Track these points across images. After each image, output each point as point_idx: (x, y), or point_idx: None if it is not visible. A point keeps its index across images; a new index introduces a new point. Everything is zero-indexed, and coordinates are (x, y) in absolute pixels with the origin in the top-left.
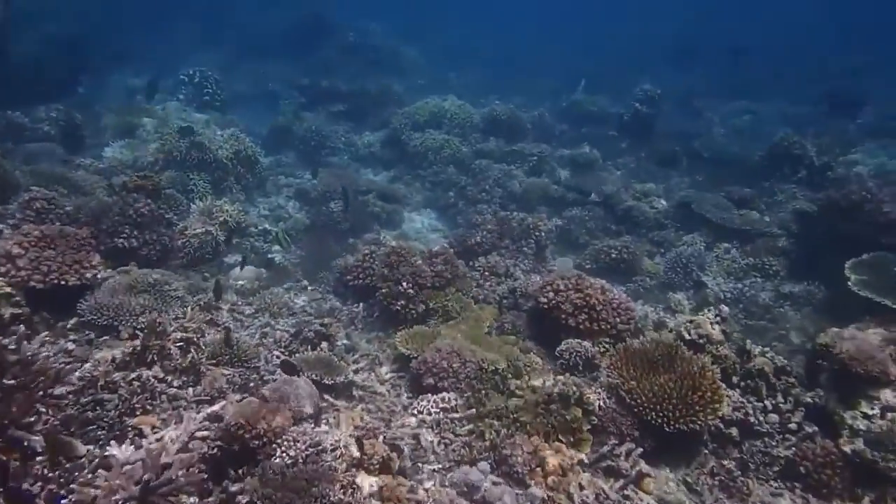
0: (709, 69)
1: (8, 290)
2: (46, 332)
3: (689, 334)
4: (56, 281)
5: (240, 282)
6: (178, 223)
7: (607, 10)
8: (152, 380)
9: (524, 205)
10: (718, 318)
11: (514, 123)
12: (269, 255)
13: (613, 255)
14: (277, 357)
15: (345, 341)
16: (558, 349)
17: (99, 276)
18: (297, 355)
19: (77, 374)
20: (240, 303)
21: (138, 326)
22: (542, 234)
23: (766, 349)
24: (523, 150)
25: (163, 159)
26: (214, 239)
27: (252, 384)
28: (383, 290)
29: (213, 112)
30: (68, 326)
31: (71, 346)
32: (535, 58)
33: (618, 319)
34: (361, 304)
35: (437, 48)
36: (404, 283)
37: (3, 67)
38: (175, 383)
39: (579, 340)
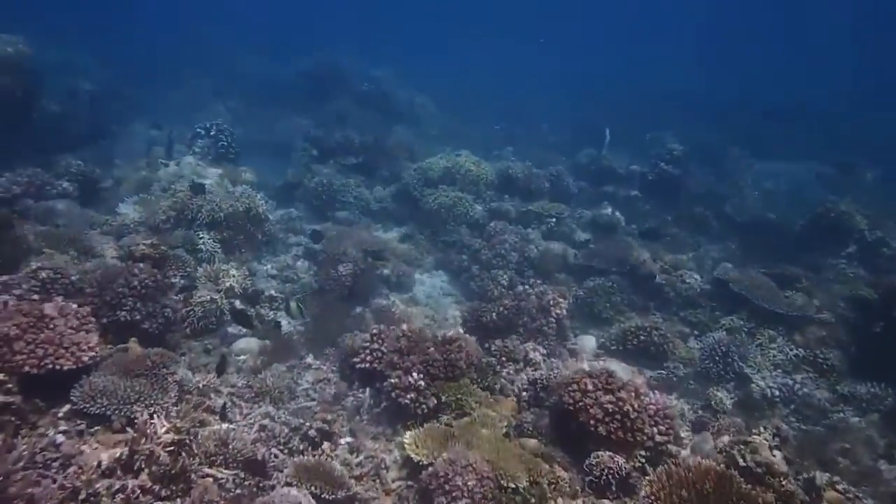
0: (737, 127)
1: (1, 376)
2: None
3: (745, 460)
4: (51, 366)
5: (242, 356)
6: (184, 287)
7: (618, 62)
8: (137, 491)
9: (541, 271)
10: (777, 441)
11: (530, 181)
12: (278, 320)
13: (643, 338)
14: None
15: (348, 439)
16: (587, 462)
17: (97, 356)
18: (296, 459)
19: (56, 484)
20: (241, 384)
21: (131, 416)
22: (563, 311)
23: (836, 478)
24: (540, 211)
25: (174, 217)
26: (219, 308)
27: (246, 495)
28: (392, 380)
29: (228, 164)
30: (60, 415)
31: (61, 438)
32: (546, 108)
33: (656, 430)
34: (368, 391)
35: (448, 96)
36: (415, 374)
37: (30, 125)
38: (163, 493)
39: (611, 454)
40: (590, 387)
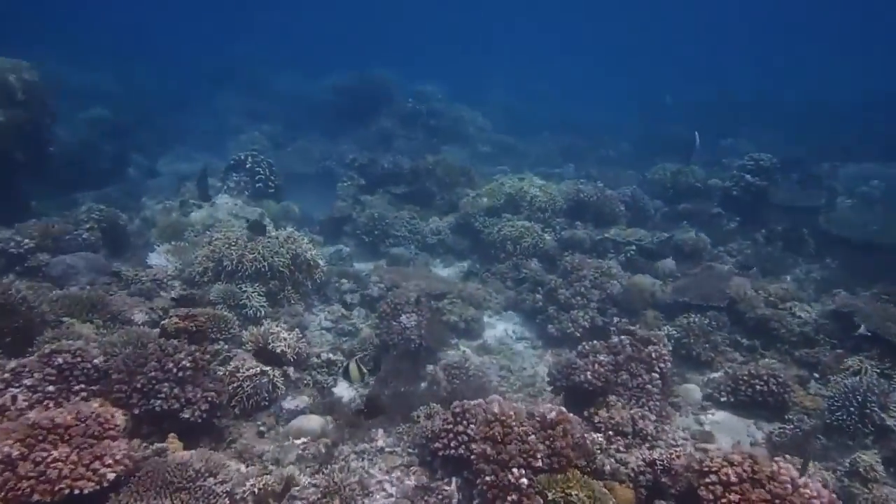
0: (812, 128)
1: None
2: None
3: None
4: (67, 491)
5: (301, 439)
6: (228, 355)
7: (673, 69)
8: None
9: (626, 309)
10: None
11: (603, 205)
12: (335, 391)
13: (758, 387)
14: None
15: None
16: None
17: (125, 469)
18: None
19: None
20: (305, 482)
21: None
22: (667, 364)
23: None
24: (617, 239)
25: (212, 269)
26: (271, 381)
27: None
28: (487, 478)
29: (267, 200)
30: None
31: None
32: (601, 119)
33: None
34: (454, 483)
35: (496, 109)
36: (515, 472)
37: (44, 161)
38: None
39: None
40: (732, 478)
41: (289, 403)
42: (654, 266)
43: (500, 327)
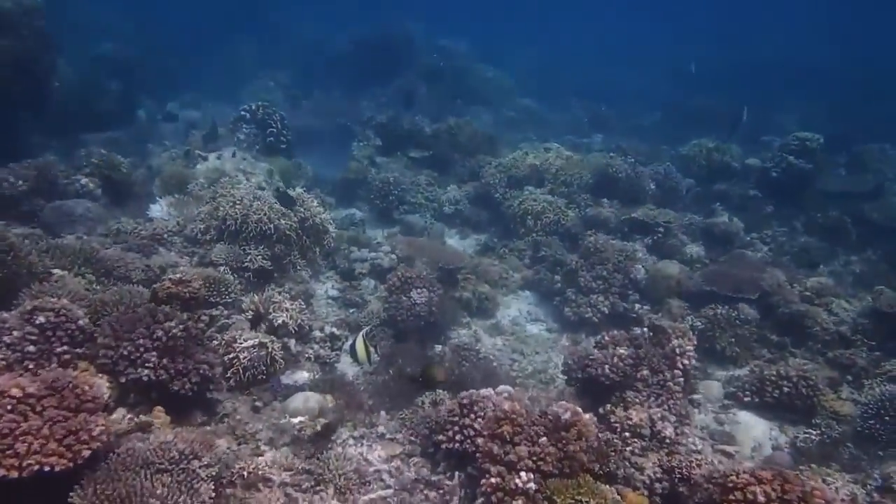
0: (863, 106)
1: None
2: None
3: None
4: (37, 467)
5: (297, 418)
6: (226, 321)
7: (713, 33)
8: None
9: (650, 296)
10: None
11: (633, 183)
12: (337, 367)
13: (786, 389)
14: None
15: None
16: None
17: (102, 446)
18: None
19: None
20: (299, 466)
21: None
22: (692, 362)
23: None
24: (645, 220)
25: (215, 227)
26: (270, 355)
27: None
28: (492, 479)
29: (278, 157)
30: None
31: None
32: (632, 84)
33: None
34: (457, 478)
35: (523, 71)
36: (523, 475)
37: (44, 99)
38: None
39: None
40: (760, 497)
41: (287, 378)
42: (682, 251)
43: (514, 307)
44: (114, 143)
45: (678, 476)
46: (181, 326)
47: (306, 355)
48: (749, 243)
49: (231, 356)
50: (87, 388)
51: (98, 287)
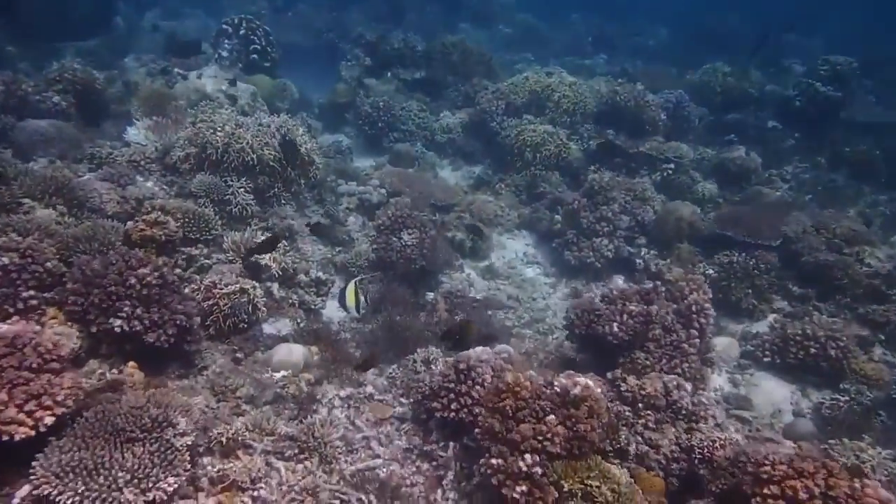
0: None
1: None
2: None
3: None
4: None
5: (280, 373)
6: (206, 262)
7: None
8: None
9: (658, 239)
10: None
11: (641, 112)
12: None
13: (812, 350)
14: None
15: None
16: None
17: (67, 412)
18: None
19: None
20: (281, 431)
21: None
22: (710, 320)
23: None
24: (654, 154)
25: (195, 155)
26: (251, 302)
27: None
28: (493, 462)
29: (261, 75)
30: None
31: None
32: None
33: None
34: (451, 449)
35: None
36: (528, 458)
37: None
38: None
39: None
40: (801, 494)
41: (270, 327)
42: (694, 189)
43: (510, 248)
44: (90, 55)
45: (698, 456)
46: (156, 273)
47: (290, 301)
48: (767, 180)
49: (211, 303)
50: (50, 345)
51: (70, 220)
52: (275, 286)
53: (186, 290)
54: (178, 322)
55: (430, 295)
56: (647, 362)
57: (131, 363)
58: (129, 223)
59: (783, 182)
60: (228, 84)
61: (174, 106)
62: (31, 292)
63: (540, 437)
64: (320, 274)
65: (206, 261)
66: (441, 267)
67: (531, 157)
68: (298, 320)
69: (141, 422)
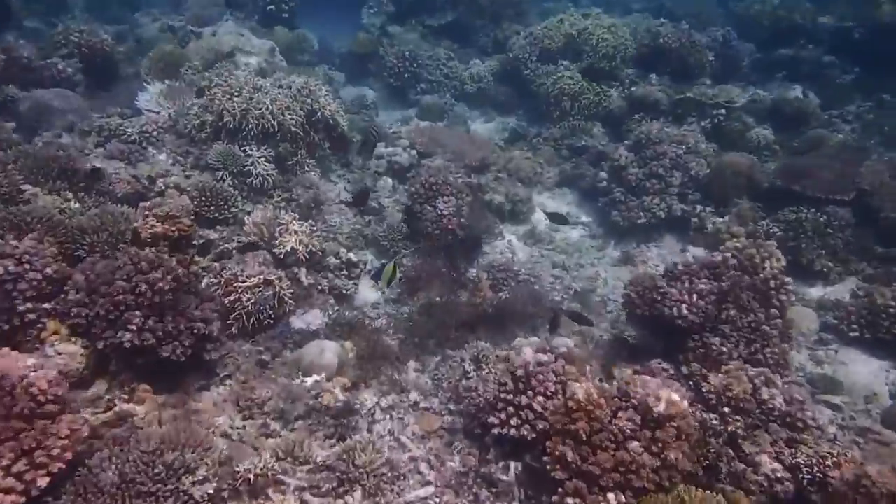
0: None
1: None
2: None
3: None
4: None
5: (312, 377)
6: (227, 247)
7: None
8: None
9: (713, 195)
10: None
11: (687, 53)
12: (354, 301)
13: None
14: None
15: None
16: None
17: (63, 466)
18: None
19: None
20: (319, 459)
21: None
22: (789, 295)
23: None
24: (702, 99)
25: (211, 124)
26: (277, 295)
27: None
28: (568, 501)
29: (279, 27)
30: None
31: None
32: None
33: None
34: (513, 470)
35: None
36: (612, 498)
37: None
38: None
39: None
40: None
41: (299, 320)
42: (747, 136)
43: (551, 206)
44: (100, 8)
45: (808, 477)
46: (169, 277)
47: (319, 287)
48: (828, 122)
49: (232, 298)
50: (45, 383)
51: (76, 206)
52: (302, 271)
53: (205, 282)
54: (195, 331)
55: (473, 272)
56: (724, 349)
57: (143, 387)
58: (139, 220)
59: (845, 123)
60: (244, 40)
61: (188, 67)
62: (29, 305)
63: (623, 469)
64: (351, 255)
65: (226, 245)
66: (480, 235)
67: (569, 107)
68: (329, 310)
69: (154, 471)
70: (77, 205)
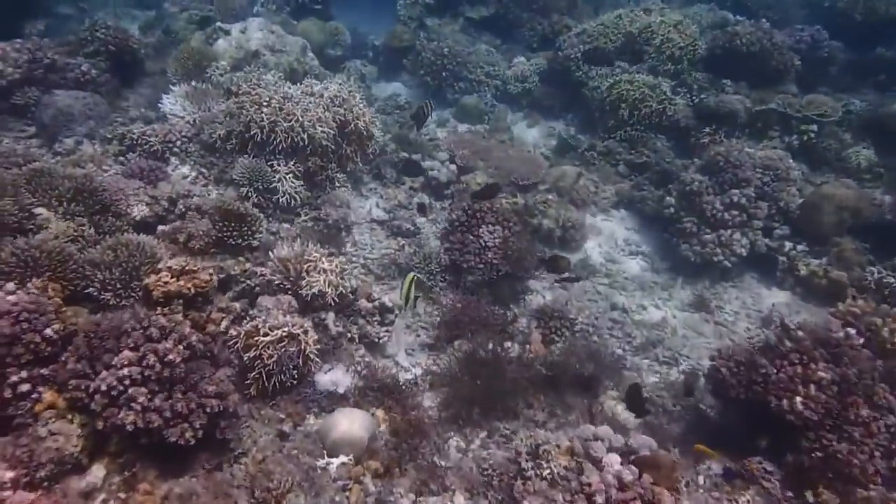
0: None
1: None
2: None
3: None
4: None
5: (339, 459)
6: (248, 283)
7: None
8: None
9: (806, 230)
10: None
11: (767, 56)
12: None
13: None
14: None
15: None
16: None
17: None
18: None
19: None
20: None
21: None
22: None
23: None
24: (789, 111)
25: (237, 135)
26: (302, 352)
27: None
28: None
29: (312, 20)
30: None
31: None
32: None
33: None
34: None
35: None
36: None
37: None
38: None
39: None
40: None
41: (325, 378)
42: (845, 157)
43: (606, 231)
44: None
45: None
46: (182, 346)
47: (349, 335)
48: None
49: (252, 355)
50: None
51: (90, 233)
52: (330, 317)
53: (223, 325)
54: (208, 409)
55: (523, 321)
56: (856, 462)
57: (144, 487)
58: (150, 278)
59: None
60: (274, 37)
61: (215, 68)
62: (23, 374)
63: None
64: (386, 300)
65: (248, 281)
66: (530, 270)
67: (627, 116)
68: (359, 366)
69: None
70: (92, 230)
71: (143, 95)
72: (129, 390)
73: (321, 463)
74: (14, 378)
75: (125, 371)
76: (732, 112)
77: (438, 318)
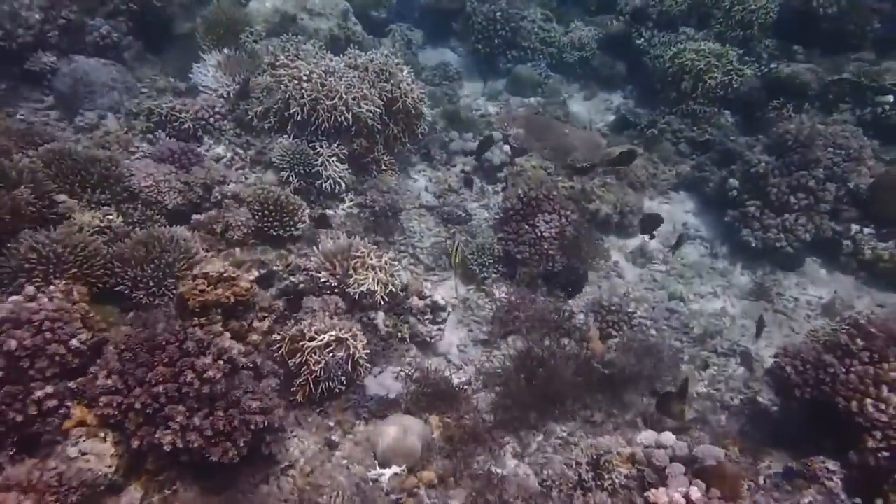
0: None
1: None
2: None
3: None
4: None
5: (390, 470)
6: (292, 281)
7: None
8: None
9: (876, 214)
10: None
11: (842, 21)
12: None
13: None
14: None
15: None
16: None
17: None
18: None
19: None
20: None
21: None
22: None
23: None
24: (863, 80)
25: (276, 112)
26: (350, 357)
27: None
28: None
29: None
30: None
31: None
32: None
33: None
34: None
35: None
36: None
37: None
38: None
39: None
40: None
41: (375, 382)
42: None
43: (665, 214)
44: None
45: None
46: (222, 361)
47: (399, 335)
48: None
49: (297, 361)
50: None
51: (119, 221)
52: (380, 317)
53: (266, 324)
54: (252, 425)
55: (581, 316)
56: None
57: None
58: (186, 284)
59: None
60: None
61: (249, 34)
62: (49, 389)
63: None
64: (439, 298)
65: (291, 278)
66: (588, 261)
67: (690, 88)
68: (411, 369)
69: None
70: (120, 219)
71: (171, 61)
72: (166, 409)
73: (373, 474)
74: (39, 393)
75: (160, 388)
76: (804, 83)
77: (492, 313)
